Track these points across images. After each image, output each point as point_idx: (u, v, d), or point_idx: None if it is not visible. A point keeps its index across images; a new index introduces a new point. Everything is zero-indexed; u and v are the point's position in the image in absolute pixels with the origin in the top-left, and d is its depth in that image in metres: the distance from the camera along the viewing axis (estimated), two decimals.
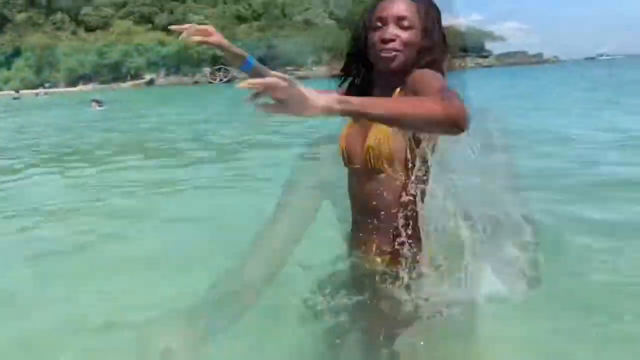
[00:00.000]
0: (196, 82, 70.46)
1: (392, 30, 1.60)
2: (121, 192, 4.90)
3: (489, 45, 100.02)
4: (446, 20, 1.68)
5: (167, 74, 74.46)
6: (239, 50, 2.11)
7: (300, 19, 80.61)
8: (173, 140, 9.92)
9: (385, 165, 1.61)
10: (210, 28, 2.02)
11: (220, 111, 17.66)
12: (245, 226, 3.51)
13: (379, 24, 1.62)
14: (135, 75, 73.51)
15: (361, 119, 1.27)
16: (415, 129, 1.40)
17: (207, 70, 72.73)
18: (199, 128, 12.17)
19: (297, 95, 1.09)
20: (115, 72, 73.47)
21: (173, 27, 2.00)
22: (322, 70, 77.24)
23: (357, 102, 1.18)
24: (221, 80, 70.56)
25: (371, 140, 1.62)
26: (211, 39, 2.02)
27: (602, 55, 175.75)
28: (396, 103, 1.36)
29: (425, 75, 1.50)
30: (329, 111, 1.13)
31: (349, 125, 1.77)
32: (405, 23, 1.60)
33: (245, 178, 5.47)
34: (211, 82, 69.64)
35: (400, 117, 1.22)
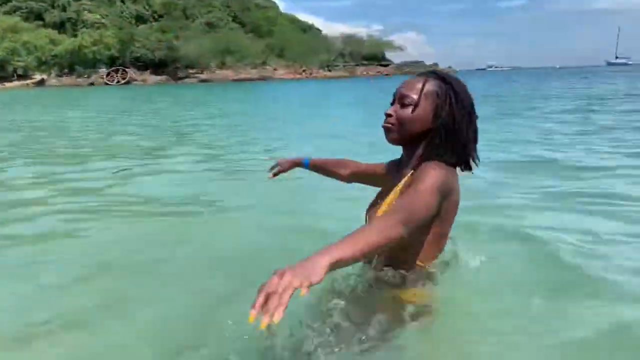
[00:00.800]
0: (92, 84, 66.83)
1: (394, 107, 1.80)
2: None
3: (389, 55, 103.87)
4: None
5: (60, 75, 70.01)
6: (297, 160, 2.42)
7: (202, 21, 79.11)
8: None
9: None
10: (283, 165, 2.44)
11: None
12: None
13: (392, 100, 1.83)
14: (24, 75, 68.40)
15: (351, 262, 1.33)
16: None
17: (103, 71, 69.31)
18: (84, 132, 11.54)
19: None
20: (1, 71, 67.88)
21: None
22: (225, 73, 76.55)
23: (338, 254, 1.22)
24: (119, 82, 67.61)
25: (383, 208, 1.76)
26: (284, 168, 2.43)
27: (491, 67, 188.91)
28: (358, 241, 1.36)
29: (421, 175, 1.65)
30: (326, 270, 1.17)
31: (377, 194, 1.98)
32: (406, 101, 1.75)
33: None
34: (108, 84, 66.47)
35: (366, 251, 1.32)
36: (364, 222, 1.89)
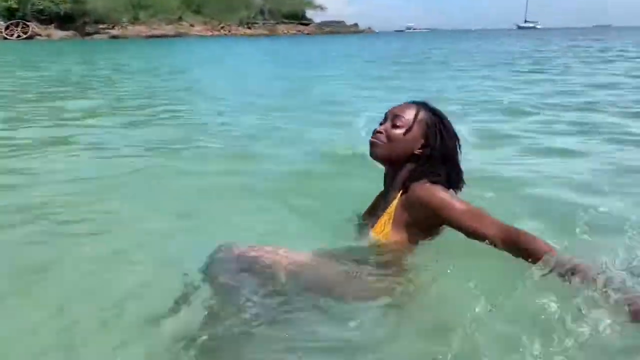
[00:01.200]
0: None
1: (385, 125, 1.90)
2: None
3: (309, 14, 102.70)
4: None
5: None
6: None
7: None
8: None
9: (384, 241, 1.84)
10: None
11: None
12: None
13: (383, 118, 1.94)
14: None
15: None
16: None
17: (0, 24, 63.80)
18: None
19: None
20: None
21: None
22: (138, 29, 72.77)
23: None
24: (19, 36, 62.65)
25: (377, 229, 1.86)
26: None
27: (410, 29, 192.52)
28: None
29: (434, 198, 1.74)
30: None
31: (376, 198, 2.10)
32: (398, 122, 1.87)
33: None
34: (7, 38, 61.39)
35: None
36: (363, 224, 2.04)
